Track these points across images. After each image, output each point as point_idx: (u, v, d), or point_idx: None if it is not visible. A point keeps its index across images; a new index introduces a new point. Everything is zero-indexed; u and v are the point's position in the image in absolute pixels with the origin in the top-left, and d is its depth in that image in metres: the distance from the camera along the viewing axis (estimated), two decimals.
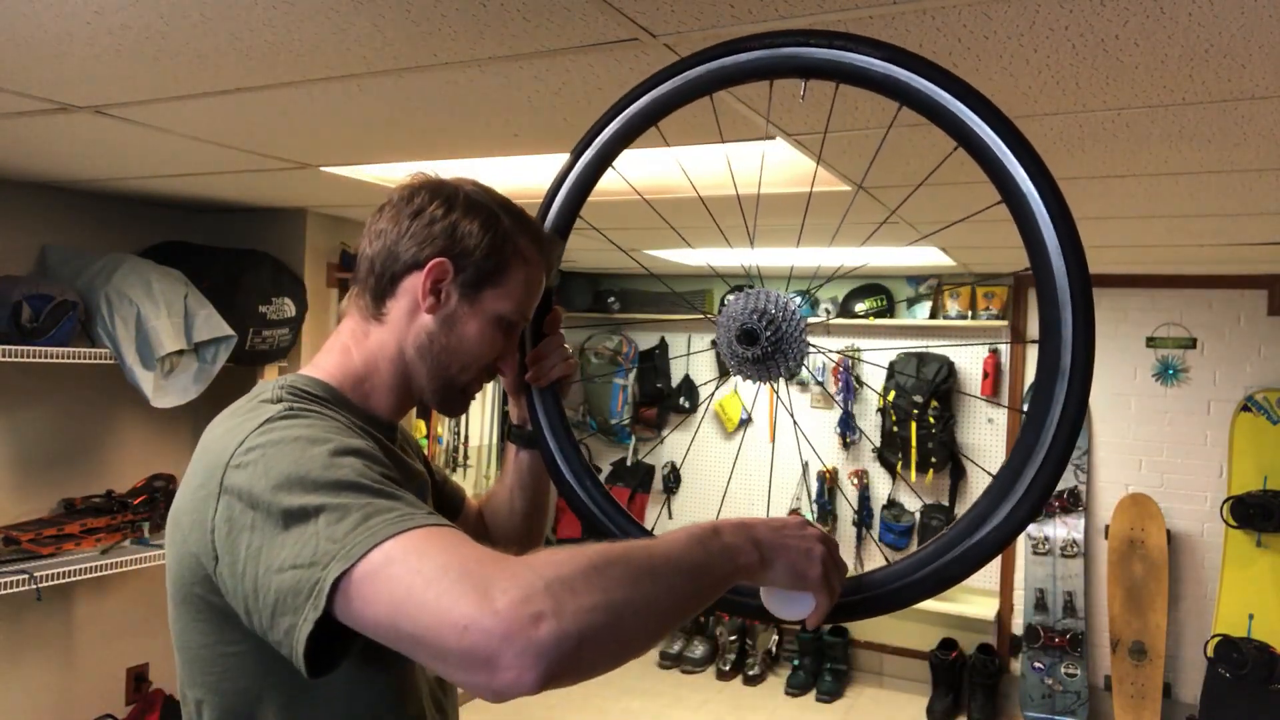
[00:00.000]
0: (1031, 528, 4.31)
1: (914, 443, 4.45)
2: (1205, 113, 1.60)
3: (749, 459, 4.95)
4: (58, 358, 2.60)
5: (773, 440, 4.84)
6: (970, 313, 4.50)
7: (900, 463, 4.54)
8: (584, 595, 0.72)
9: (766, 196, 2.51)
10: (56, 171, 2.63)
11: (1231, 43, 1.26)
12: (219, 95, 1.70)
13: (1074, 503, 4.34)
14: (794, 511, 4.78)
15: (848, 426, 4.76)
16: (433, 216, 1.03)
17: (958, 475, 4.51)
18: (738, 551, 0.86)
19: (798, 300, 1.06)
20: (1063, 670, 4.24)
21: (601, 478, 1.36)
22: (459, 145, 2.07)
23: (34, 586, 2.53)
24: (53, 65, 1.55)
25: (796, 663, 4.70)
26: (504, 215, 1.06)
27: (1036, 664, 4.29)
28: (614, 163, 1.16)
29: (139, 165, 2.47)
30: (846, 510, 4.80)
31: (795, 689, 4.61)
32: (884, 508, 4.72)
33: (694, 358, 5.18)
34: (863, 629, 4.80)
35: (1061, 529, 4.34)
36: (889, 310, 4.67)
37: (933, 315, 4.60)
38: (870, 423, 4.76)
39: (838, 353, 4.77)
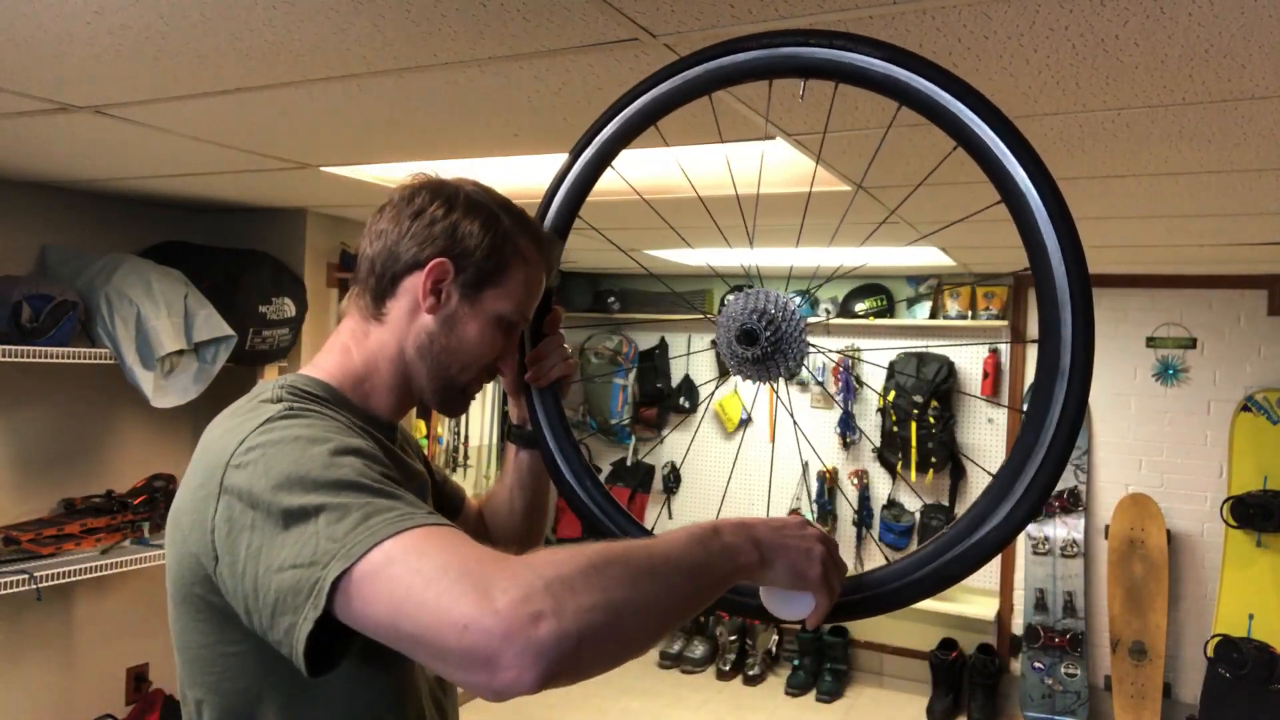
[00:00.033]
0: (1031, 527, 4.31)
1: (914, 443, 4.45)
2: (1205, 113, 1.60)
3: (749, 459, 4.95)
4: (58, 358, 2.60)
5: (773, 440, 4.84)
6: (970, 313, 4.50)
7: (900, 463, 4.54)
8: (584, 595, 0.72)
9: (766, 196, 2.51)
10: (56, 171, 2.63)
11: (1231, 43, 1.26)
12: (219, 95, 1.70)
13: (1074, 503, 4.34)
14: (794, 511, 4.78)
15: (848, 426, 4.76)
16: (433, 217, 1.03)
17: (958, 475, 4.52)
18: (737, 551, 0.86)
19: (797, 300, 1.06)
20: (1063, 670, 4.24)
21: (601, 478, 1.36)
22: (459, 145, 2.07)
23: (34, 586, 2.53)
24: (53, 65, 1.55)
25: (796, 663, 4.70)
26: (504, 216, 1.06)
27: (1036, 664, 4.29)
28: (613, 163, 1.16)
29: (139, 165, 2.47)
30: (846, 510, 4.80)
31: (795, 689, 4.61)
32: (884, 508, 4.72)
33: (694, 358, 5.18)
34: (863, 629, 4.80)
35: (1061, 529, 4.34)
36: (889, 310, 4.67)
37: (933, 315, 4.60)
38: (870, 423, 4.76)
39: (838, 353, 4.77)
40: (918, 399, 4.43)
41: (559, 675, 0.71)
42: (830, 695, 4.56)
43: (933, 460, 4.44)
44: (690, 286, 5.25)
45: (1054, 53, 1.32)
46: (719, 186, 2.31)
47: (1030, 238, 0.89)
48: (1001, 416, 4.54)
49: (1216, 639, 3.90)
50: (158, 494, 3.03)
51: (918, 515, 4.63)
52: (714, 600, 0.86)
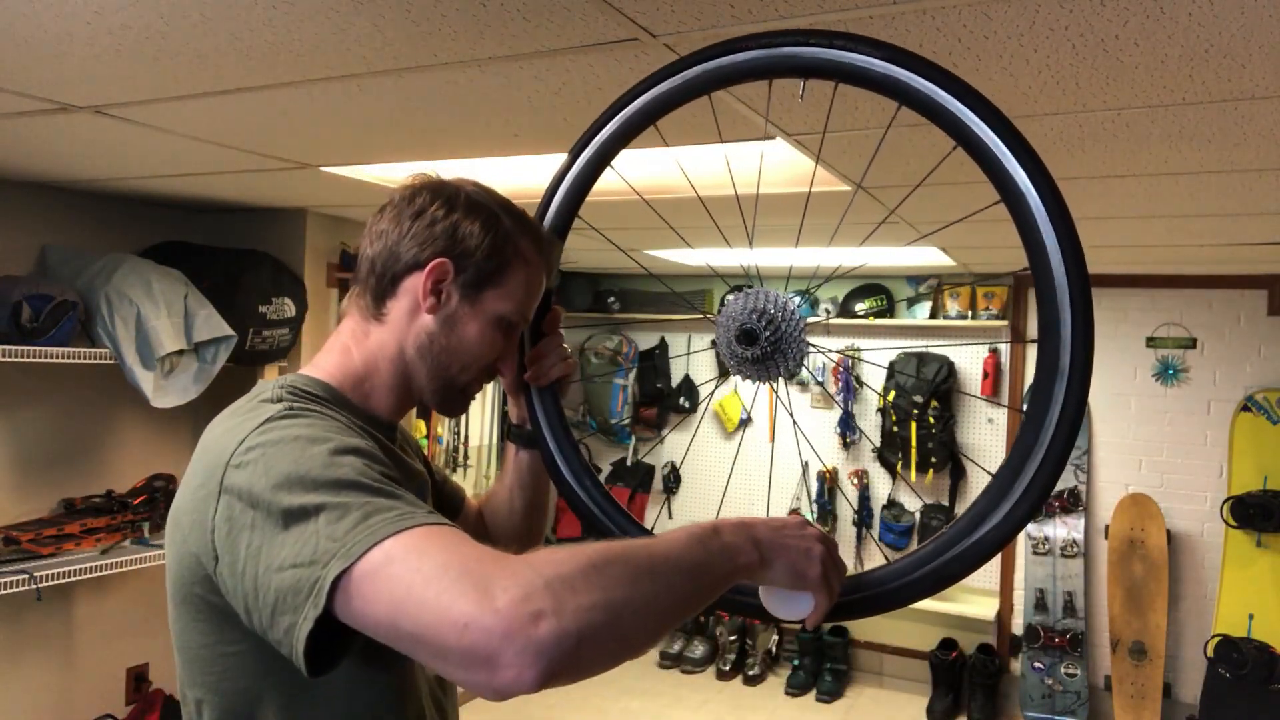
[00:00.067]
0: (1031, 527, 4.31)
1: (914, 443, 4.45)
2: (1205, 113, 1.60)
3: (749, 459, 4.95)
4: (58, 358, 2.60)
5: (773, 440, 4.84)
6: (970, 313, 4.50)
7: (900, 463, 4.54)
8: (584, 594, 0.72)
9: (766, 196, 2.51)
10: (56, 171, 2.63)
11: (1231, 43, 1.26)
12: (219, 95, 1.70)
13: (1074, 503, 4.34)
14: (794, 511, 4.78)
15: (848, 426, 4.76)
16: (434, 217, 1.04)
17: (958, 475, 4.52)
18: (737, 551, 0.86)
19: (797, 300, 1.06)
20: (1063, 670, 4.24)
21: (601, 478, 1.36)
22: (459, 145, 2.07)
23: (34, 586, 2.53)
24: (53, 65, 1.55)
25: (796, 663, 4.70)
26: (505, 216, 1.07)
27: (1036, 664, 4.29)
28: (613, 162, 1.16)
29: (139, 165, 2.47)
30: (846, 510, 4.80)
31: (795, 689, 4.61)
32: (884, 508, 4.72)
33: (694, 358, 5.18)
34: (863, 629, 4.80)
35: (1061, 529, 4.34)
36: (889, 310, 4.67)
37: (933, 315, 4.60)
38: (870, 423, 4.76)
39: (838, 353, 4.77)
40: (918, 399, 4.43)
41: (559, 674, 0.71)
42: (830, 695, 4.56)
43: (933, 460, 4.44)
44: (690, 286, 5.25)
45: (1054, 53, 1.32)
46: (719, 186, 2.31)
47: (1030, 238, 0.89)
48: (1001, 416, 4.54)
49: (1216, 639, 3.90)
50: (158, 494, 3.03)
51: (918, 515, 4.63)
52: (714, 600, 0.86)
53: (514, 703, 4.24)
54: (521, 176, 2.38)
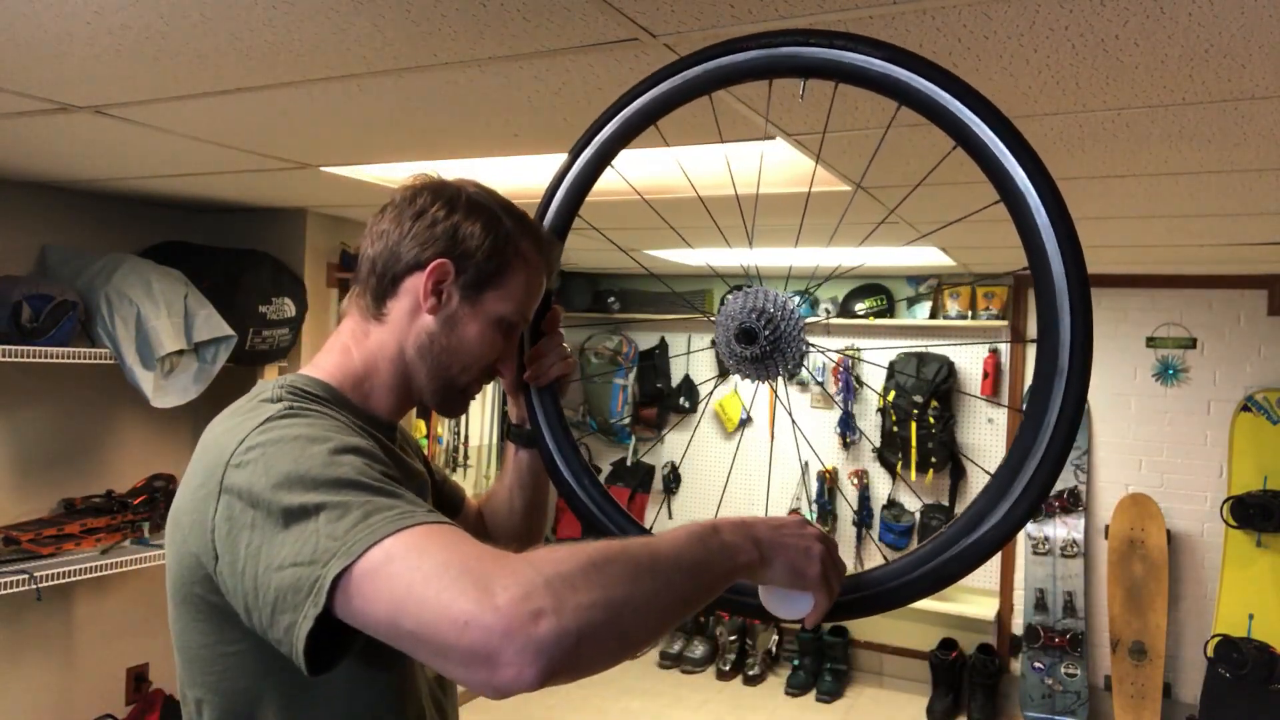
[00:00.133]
0: (1031, 527, 4.31)
1: (914, 443, 4.45)
2: (1205, 113, 1.60)
3: (749, 459, 4.95)
4: (58, 358, 2.60)
5: (772, 440, 4.84)
6: (970, 313, 4.50)
7: (900, 463, 4.54)
8: (584, 592, 0.72)
9: (766, 196, 2.51)
10: (56, 171, 2.63)
11: (1231, 43, 1.26)
12: (219, 95, 1.70)
13: (1074, 503, 4.34)
14: (794, 511, 4.78)
15: (848, 426, 4.76)
16: (435, 218, 1.04)
17: (958, 475, 4.52)
18: (737, 550, 0.86)
19: (796, 299, 1.06)
20: (1063, 670, 4.24)
21: (601, 478, 1.36)
22: (459, 145, 2.07)
23: (34, 586, 2.53)
24: (53, 65, 1.55)
25: (796, 663, 4.70)
26: (506, 217, 1.07)
27: (1036, 664, 4.29)
28: (613, 162, 1.16)
29: (139, 165, 2.47)
30: (846, 510, 4.80)
31: (795, 689, 4.61)
32: (884, 508, 4.72)
33: (694, 358, 5.19)
34: (863, 629, 4.80)
35: (1061, 529, 4.34)
36: (889, 310, 4.67)
37: (933, 315, 4.60)
38: (870, 423, 4.76)
39: (838, 352, 4.77)
40: (918, 399, 4.43)
41: (559, 672, 0.71)
42: (830, 695, 4.56)
43: (933, 460, 4.44)
44: (690, 286, 5.26)
45: (1054, 53, 1.32)
46: (719, 186, 2.31)
47: (1029, 238, 0.89)
48: (1001, 416, 4.54)
49: (1216, 639, 3.90)
50: (158, 494, 3.03)
51: (917, 515, 4.63)
52: (713, 598, 0.86)
53: (514, 702, 4.23)
54: (521, 176, 2.38)
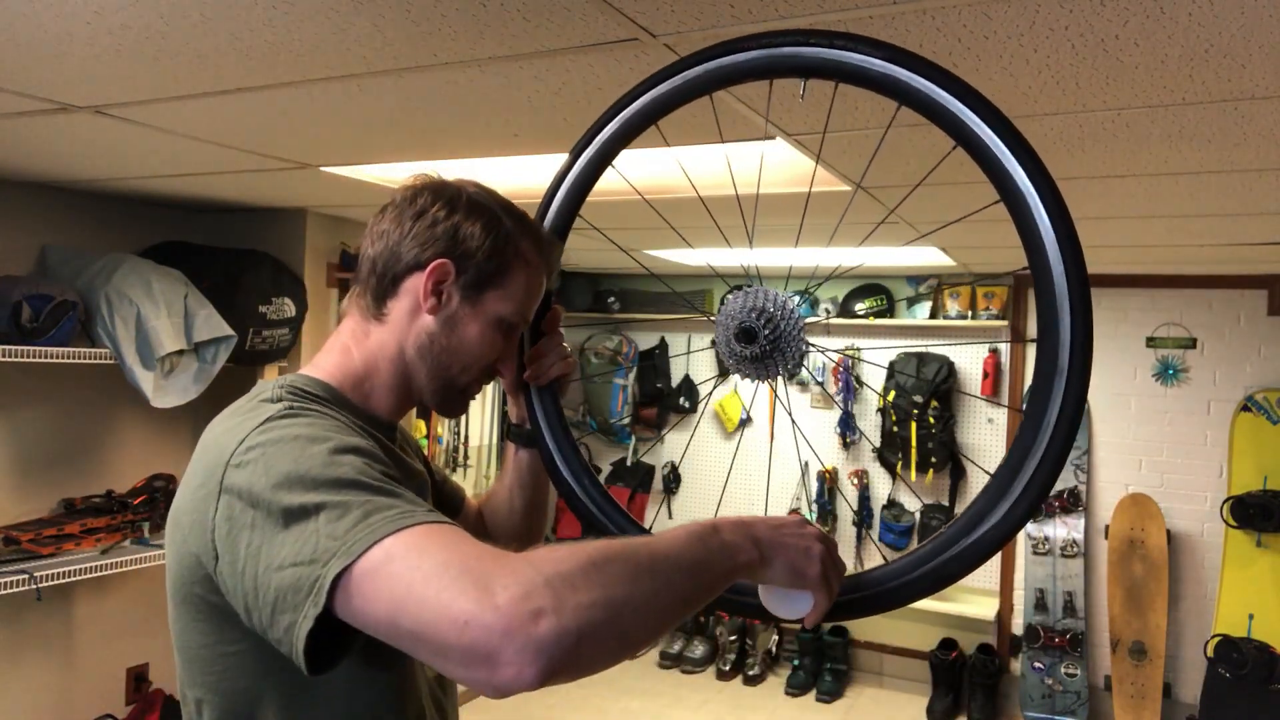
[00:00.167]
0: (1031, 527, 4.31)
1: (914, 443, 4.45)
2: (1205, 113, 1.60)
3: (749, 459, 4.96)
4: (58, 358, 2.60)
5: (772, 440, 4.84)
6: (970, 313, 4.50)
7: (900, 463, 4.54)
8: (584, 591, 0.72)
9: (766, 196, 2.51)
10: (56, 171, 2.63)
11: (1231, 43, 1.26)
12: (219, 95, 1.70)
13: (1074, 503, 4.34)
14: (794, 511, 4.78)
15: (848, 426, 4.76)
16: (435, 218, 1.04)
17: (958, 475, 4.52)
18: (737, 549, 0.86)
19: (796, 299, 1.06)
20: (1063, 670, 4.24)
21: (601, 478, 1.36)
22: (459, 145, 2.07)
23: (34, 586, 2.53)
24: (53, 65, 1.55)
25: (796, 663, 4.71)
26: (506, 217, 1.07)
27: (1036, 664, 4.29)
28: (613, 162, 1.16)
29: (139, 165, 2.47)
30: (846, 510, 4.80)
31: (795, 689, 4.61)
32: (884, 508, 4.72)
33: (694, 357, 5.19)
34: (863, 629, 4.80)
35: (1061, 529, 4.34)
36: (889, 310, 4.67)
37: (933, 315, 4.60)
38: (870, 423, 4.76)
39: (837, 352, 4.77)
40: (918, 399, 4.43)
41: (559, 672, 0.71)
42: (830, 695, 4.56)
43: (933, 460, 4.44)
44: (690, 286, 5.26)
45: (1054, 53, 1.32)
46: (719, 186, 2.31)
47: (1029, 237, 0.89)
48: (1001, 416, 4.54)
49: (1216, 639, 3.90)
50: (158, 494, 3.03)
51: (917, 515, 4.63)
52: (713, 598, 0.86)
53: (514, 702, 4.23)
54: (521, 176, 2.38)
